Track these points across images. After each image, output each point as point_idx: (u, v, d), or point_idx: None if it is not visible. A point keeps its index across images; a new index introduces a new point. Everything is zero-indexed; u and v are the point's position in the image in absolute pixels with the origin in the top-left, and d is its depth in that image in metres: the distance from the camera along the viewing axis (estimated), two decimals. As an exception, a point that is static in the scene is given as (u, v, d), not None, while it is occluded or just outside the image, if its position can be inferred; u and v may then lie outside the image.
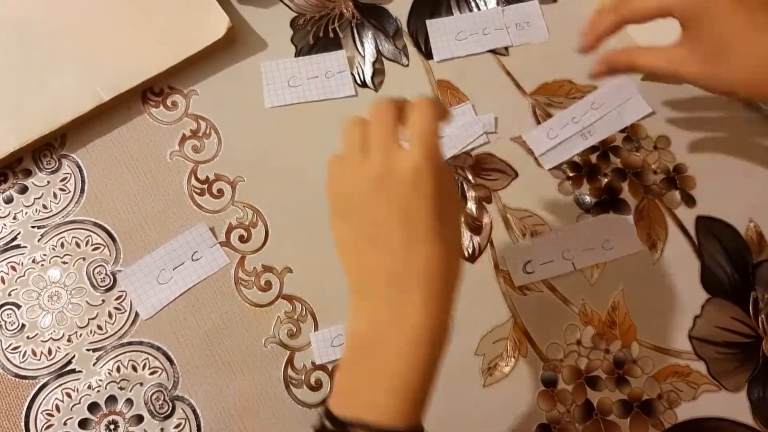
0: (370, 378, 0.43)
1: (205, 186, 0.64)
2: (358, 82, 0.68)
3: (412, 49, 0.70)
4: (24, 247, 0.62)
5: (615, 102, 0.68)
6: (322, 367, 0.61)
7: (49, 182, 0.64)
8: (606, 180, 0.66)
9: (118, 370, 0.60)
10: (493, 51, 0.70)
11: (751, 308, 0.64)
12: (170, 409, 0.59)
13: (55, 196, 0.63)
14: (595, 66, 0.60)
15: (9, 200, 0.63)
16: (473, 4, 0.71)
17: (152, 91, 0.66)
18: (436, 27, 0.70)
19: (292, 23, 0.69)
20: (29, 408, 0.58)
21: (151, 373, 0.60)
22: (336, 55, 0.68)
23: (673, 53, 0.55)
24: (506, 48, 0.70)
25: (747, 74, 0.52)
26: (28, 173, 0.64)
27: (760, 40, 0.51)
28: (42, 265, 0.62)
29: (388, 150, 0.43)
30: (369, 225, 0.44)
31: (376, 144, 0.44)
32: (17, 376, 0.59)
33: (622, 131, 0.68)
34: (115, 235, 0.63)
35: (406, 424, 0.42)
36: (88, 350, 0.60)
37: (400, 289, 0.43)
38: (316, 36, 0.69)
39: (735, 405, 0.61)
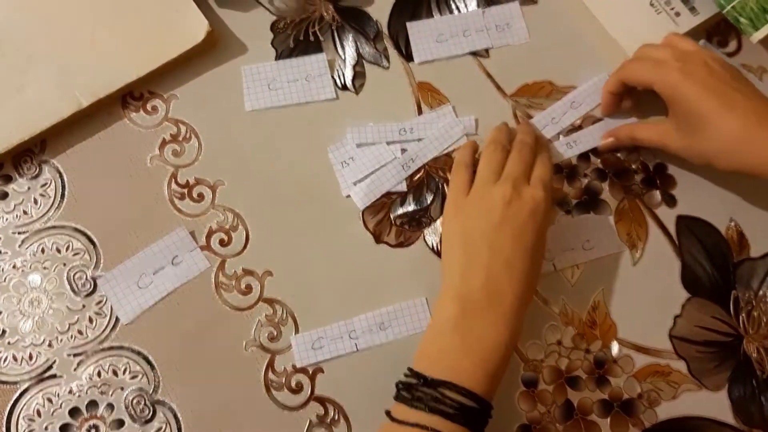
0: (461, 353, 0.52)
1: (186, 190, 0.64)
2: (339, 85, 0.68)
3: (392, 52, 0.70)
4: (5, 253, 0.62)
5: (594, 100, 0.68)
6: (302, 370, 0.61)
7: (29, 188, 0.64)
8: (586, 181, 0.67)
9: (99, 374, 0.60)
10: (473, 53, 0.70)
11: (731, 307, 0.64)
12: (151, 413, 0.59)
13: (35, 201, 0.63)
14: (604, 140, 0.67)
15: (-10, 206, 0.63)
16: (453, 6, 0.71)
17: (132, 96, 0.66)
18: (416, 29, 0.70)
19: (272, 27, 0.70)
20: (10, 413, 0.58)
21: (132, 378, 0.60)
22: (316, 58, 0.68)
23: (663, 127, 0.63)
24: (486, 50, 0.70)
25: (721, 148, 0.58)
26: (9, 179, 0.64)
27: (730, 120, 0.56)
28: (22, 270, 0.62)
29: (520, 182, 0.58)
30: (481, 225, 0.56)
31: (512, 175, 0.58)
32: (-2, 381, 0.59)
33: (602, 131, 0.68)
34: (95, 240, 0.63)
35: (484, 393, 0.51)
36: (68, 355, 0.60)
37: (497, 290, 0.54)
38: (296, 39, 0.69)
39: (716, 404, 0.62)
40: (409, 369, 0.53)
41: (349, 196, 0.65)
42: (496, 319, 0.53)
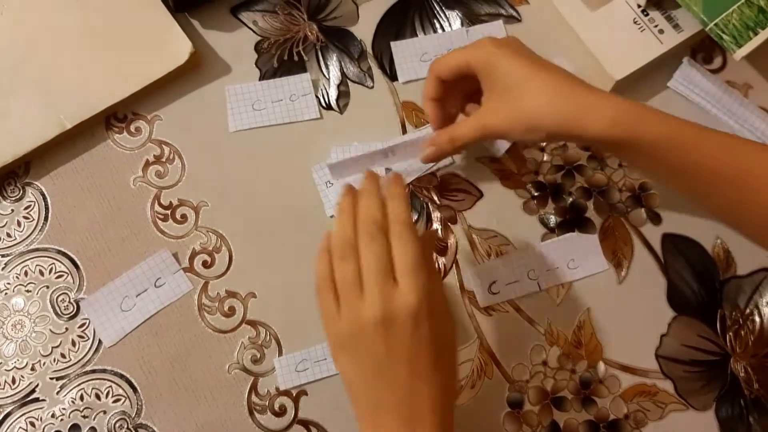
0: None
1: (169, 211, 0.64)
2: (323, 104, 0.68)
3: (377, 71, 0.70)
4: (-13, 276, 0.62)
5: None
6: (286, 393, 0.61)
7: (12, 210, 0.64)
8: (571, 199, 0.66)
9: (82, 398, 0.60)
10: (457, 71, 0.70)
11: (718, 325, 0.64)
12: (133, 437, 0.59)
13: (18, 224, 0.63)
14: (426, 152, 0.61)
15: (-27, 229, 0.63)
16: (438, 25, 0.71)
17: (116, 117, 0.66)
18: (400, 49, 0.70)
19: (257, 47, 0.70)
20: (-8, 438, 0.58)
21: (115, 401, 0.60)
22: (300, 78, 0.68)
23: (480, 112, 0.57)
24: (471, 68, 0.70)
25: (543, 103, 0.53)
26: (-8, 202, 0.64)
27: (545, 75, 0.54)
28: (5, 293, 0.62)
29: (383, 290, 0.46)
30: (373, 362, 0.47)
31: (372, 282, 0.47)
32: (-20, 406, 0.59)
33: (587, 150, 0.68)
34: (78, 263, 0.62)
35: None
36: (51, 378, 0.60)
37: (410, 423, 0.47)
38: (280, 59, 0.69)
39: (703, 424, 0.61)
40: None
41: (333, 216, 0.64)
42: None
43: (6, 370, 0.60)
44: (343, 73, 0.69)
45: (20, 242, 0.63)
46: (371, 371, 0.47)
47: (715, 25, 0.64)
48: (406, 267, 0.47)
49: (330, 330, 0.50)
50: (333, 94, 0.69)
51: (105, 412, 0.59)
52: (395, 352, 0.46)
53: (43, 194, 0.64)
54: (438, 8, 0.72)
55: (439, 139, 0.59)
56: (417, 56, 0.70)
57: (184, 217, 0.64)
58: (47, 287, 0.62)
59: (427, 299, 0.46)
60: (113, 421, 0.59)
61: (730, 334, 0.64)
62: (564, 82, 0.54)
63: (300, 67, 0.69)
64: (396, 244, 0.48)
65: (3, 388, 0.60)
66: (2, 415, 0.59)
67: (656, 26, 0.68)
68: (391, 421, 0.47)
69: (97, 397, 0.60)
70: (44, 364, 0.60)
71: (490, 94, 0.57)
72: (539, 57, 0.56)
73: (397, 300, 0.46)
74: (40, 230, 0.63)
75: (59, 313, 0.61)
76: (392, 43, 0.70)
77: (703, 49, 0.71)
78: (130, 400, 0.60)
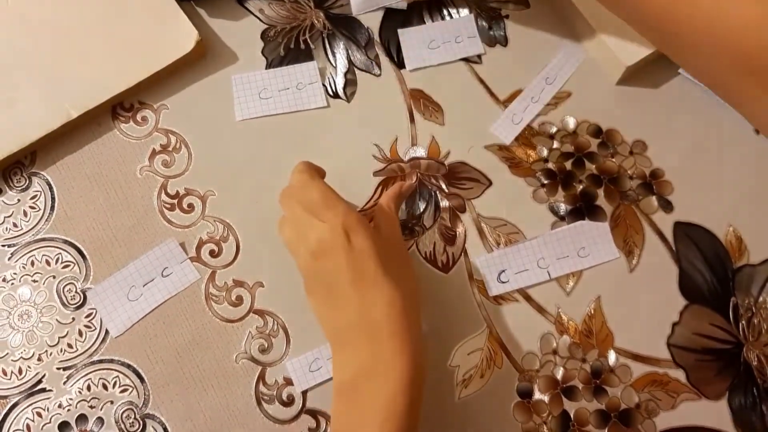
0: (360, 421, 0.48)
1: (176, 201, 0.64)
2: (330, 93, 0.68)
3: (384, 59, 0.69)
4: (-6, 266, 0.62)
5: (569, 71, 0.68)
6: (294, 383, 0.60)
7: (19, 200, 0.63)
8: (581, 187, 0.66)
9: (89, 388, 0.59)
10: (465, 59, 0.69)
11: (731, 314, 0.63)
12: (141, 427, 0.58)
13: (25, 214, 0.63)
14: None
15: (-20, 219, 0.63)
16: (445, 12, 0.70)
17: (122, 107, 0.66)
18: (407, 36, 0.69)
19: (263, 35, 0.69)
20: (0, 428, 0.58)
21: (122, 391, 0.59)
22: (307, 66, 0.68)
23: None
24: (479, 56, 0.69)
25: None
26: (-1, 192, 0.64)
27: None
28: (12, 283, 0.61)
29: (309, 232, 0.51)
30: (326, 292, 0.51)
31: (300, 235, 0.52)
32: (-13, 396, 0.59)
33: (598, 136, 0.67)
34: (85, 253, 0.62)
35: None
36: (58, 369, 0.60)
37: (369, 337, 0.50)
38: (287, 47, 0.69)
39: (716, 413, 0.60)
40: None
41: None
42: (381, 364, 0.49)
43: (12, 360, 0.60)
44: (350, 61, 0.69)
45: (27, 232, 0.63)
46: (325, 303, 0.52)
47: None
48: (320, 203, 0.52)
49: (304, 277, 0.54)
50: (340, 82, 0.68)
51: (112, 403, 0.59)
52: (337, 275, 0.50)
53: (49, 184, 0.64)
54: (446, -5, 0.71)
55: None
56: (425, 43, 0.69)
57: (191, 206, 0.64)
58: (54, 277, 0.62)
59: (354, 220, 0.51)
60: (120, 412, 0.59)
61: (743, 322, 0.63)
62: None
63: (307, 56, 0.69)
64: (307, 194, 0.53)
65: (10, 379, 0.59)
66: (9, 406, 0.59)
67: (667, 12, 0.67)
68: (352, 340, 0.50)
69: (104, 387, 0.59)
70: (51, 354, 0.60)
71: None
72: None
73: (324, 230, 0.51)
74: (46, 220, 0.63)
75: (66, 303, 0.61)
76: (399, 31, 0.69)
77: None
78: (137, 390, 0.59)
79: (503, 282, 0.63)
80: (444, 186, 0.65)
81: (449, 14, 0.71)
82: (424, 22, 0.70)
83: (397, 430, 0.47)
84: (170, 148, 0.65)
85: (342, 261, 0.50)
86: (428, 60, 0.69)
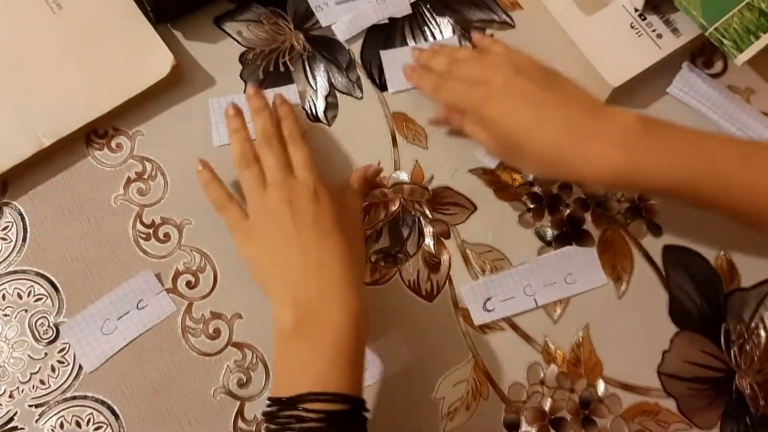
0: (310, 357, 0.50)
1: (151, 230, 0.62)
2: (311, 117, 0.66)
3: (365, 81, 0.67)
4: (-36, 300, 0.60)
5: None
6: (273, 418, 0.58)
7: (-10, 231, 0.62)
8: (568, 211, 0.64)
9: (62, 426, 0.58)
10: (449, 80, 0.67)
11: (722, 340, 0.61)
12: (116, 466, 0.57)
13: (-4, 245, 0.61)
14: (436, 116, 0.65)
15: (-50, 251, 0.61)
16: (428, 33, 0.69)
17: (96, 133, 0.64)
18: (390, 58, 0.68)
19: (241, 58, 0.67)
20: (-31, 469, 0.56)
21: (96, 429, 0.58)
22: (287, 90, 0.66)
23: (486, 139, 0.58)
24: (463, 76, 0.67)
25: (538, 166, 0.56)
26: (-31, 223, 0.62)
27: (541, 137, 0.53)
28: (-17, 318, 0.59)
29: (285, 179, 0.57)
30: (282, 233, 0.55)
31: (275, 177, 0.57)
32: (-43, 435, 0.57)
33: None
34: (58, 285, 0.60)
35: (350, 389, 0.49)
36: (30, 406, 0.58)
37: (320, 274, 0.53)
38: (266, 70, 0.67)
39: (708, 444, 0.59)
40: (268, 398, 0.50)
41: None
42: (332, 300, 0.52)
43: (-17, 397, 0.58)
44: (331, 84, 0.67)
45: (-2, 264, 0.61)
46: (279, 241, 0.54)
47: (715, 29, 0.61)
48: (302, 164, 0.58)
49: (238, 232, 0.57)
50: (321, 105, 0.67)
51: (86, 441, 0.57)
52: (300, 217, 0.55)
53: (21, 214, 0.62)
54: (429, 15, 0.70)
55: (452, 118, 0.64)
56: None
57: (167, 235, 0.62)
58: (26, 311, 0.60)
59: (320, 180, 0.57)
60: (95, 450, 0.57)
61: (735, 349, 0.61)
62: (560, 140, 0.53)
63: (286, 79, 0.67)
64: (291, 149, 0.59)
65: (-20, 417, 0.57)
66: (-20, 445, 0.57)
67: (654, 31, 0.66)
68: (300, 272, 0.53)
69: (78, 424, 0.58)
70: (23, 391, 0.58)
71: (492, 140, 0.58)
72: (533, 97, 0.55)
73: (298, 185, 0.56)
74: (18, 251, 0.61)
75: (38, 337, 0.59)
76: (382, 52, 0.68)
77: (704, 53, 0.69)
78: (111, 428, 0.58)
79: (489, 310, 0.61)
80: (428, 211, 0.64)
81: (432, 34, 0.69)
82: (407, 43, 0.69)
83: (347, 364, 0.50)
84: (146, 176, 0.64)
85: (308, 209, 0.55)
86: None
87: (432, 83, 0.61)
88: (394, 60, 0.68)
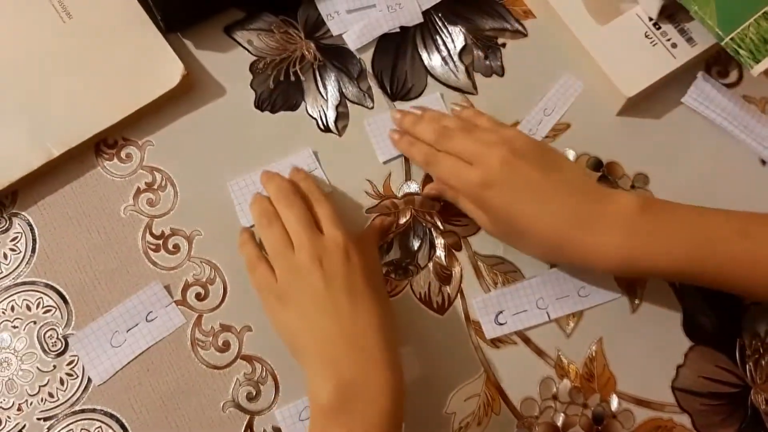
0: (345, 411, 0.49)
1: (161, 241, 0.62)
2: (321, 127, 0.65)
3: (377, 91, 0.67)
4: (-27, 311, 0.60)
5: (567, 102, 0.66)
6: (282, 432, 0.58)
7: (-1, 242, 0.61)
8: (581, 223, 0.63)
9: (71, 439, 0.57)
10: (460, 90, 0.67)
11: (737, 355, 0.60)
12: (124, 480, 0.56)
13: (5, 256, 0.61)
14: (428, 191, 0.64)
15: (-41, 262, 0.61)
16: (440, 41, 0.69)
17: (106, 144, 0.64)
18: (376, 125, 0.66)
19: (252, 67, 0.67)
20: (-22, 482, 0.56)
21: (105, 443, 0.57)
22: (303, 155, 0.65)
23: (483, 220, 0.59)
24: (475, 86, 0.67)
25: (538, 254, 0.59)
26: (-22, 233, 0.62)
27: (542, 228, 0.54)
28: (-9, 330, 0.59)
29: (312, 237, 0.55)
30: (313, 297, 0.53)
31: (302, 236, 0.55)
32: (-35, 448, 0.57)
33: (598, 169, 0.65)
34: (67, 297, 0.60)
35: None
36: (39, 419, 0.58)
37: (358, 347, 0.51)
38: (276, 80, 0.67)
39: (722, 460, 0.58)
40: None
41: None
42: (372, 379, 0.50)
43: (-8, 410, 0.58)
44: (341, 94, 0.67)
45: (6, 276, 0.61)
46: (313, 308, 0.52)
47: (731, 39, 0.60)
48: (328, 219, 0.56)
49: (268, 294, 0.56)
50: (331, 115, 0.66)
51: (95, 454, 0.57)
52: (333, 280, 0.53)
53: (30, 225, 0.62)
54: (440, 24, 0.69)
55: (442, 192, 0.63)
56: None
57: (176, 247, 0.62)
58: (34, 323, 0.59)
59: (349, 235, 0.55)
60: (103, 464, 0.57)
61: (750, 364, 0.61)
62: (562, 229, 0.53)
63: (297, 88, 0.66)
64: (315, 206, 0.58)
65: (-11, 430, 0.57)
66: (-12, 458, 0.57)
67: (669, 40, 0.65)
68: (339, 347, 0.51)
69: (87, 438, 0.57)
70: (31, 403, 0.58)
71: (492, 224, 0.58)
72: (533, 184, 0.54)
73: (326, 240, 0.55)
74: (27, 263, 0.61)
75: (47, 349, 0.59)
76: (366, 120, 0.66)
77: (719, 62, 0.68)
78: (120, 442, 0.57)
79: (501, 324, 0.61)
80: (439, 223, 0.63)
81: (443, 43, 0.68)
82: (419, 52, 0.68)
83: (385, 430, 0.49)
84: (155, 186, 0.63)
85: (340, 270, 0.53)
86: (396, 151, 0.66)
87: (423, 156, 0.61)
88: (381, 126, 0.66)
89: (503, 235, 0.59)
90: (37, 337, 0.59)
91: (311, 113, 0.66)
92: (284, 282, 0.55)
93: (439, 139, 0.59)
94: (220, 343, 0.60)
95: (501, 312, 0.61)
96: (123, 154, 0.64)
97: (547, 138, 0.66)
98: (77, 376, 0.59)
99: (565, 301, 0.61)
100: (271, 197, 0.59)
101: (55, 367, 0.59)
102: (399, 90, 0.68)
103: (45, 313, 0.60)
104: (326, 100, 0.67)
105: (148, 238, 0.62)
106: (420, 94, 0.67)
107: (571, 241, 0.53)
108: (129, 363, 0.59)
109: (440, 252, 0.63)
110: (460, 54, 0.68)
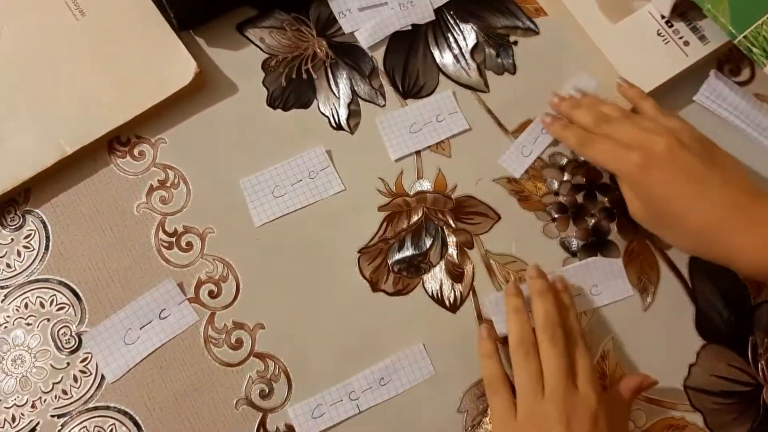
0: None
1: (174, 239, 0.62)
2: (333, 125, 0.65)
3: (388, 89, 0.67)
4: (-13, 308, 0.60)
5: None
6: (295, 430, 0.58)
7: (12, 240, 0.61)
8: (593, 221, 0.63)
9: (84, 436, 0.57)
10: (472, 88, 0.67)
11: (749, 354, 0.60)
12: (138, 476, 0.56)
13: (18, 254, 0.61)
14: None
15: (-28, 259, 0.61)
16: (452, 39, 0.68)
17: (119, 141, 0.64)
18: (387, 124, 0.67)
19: (264, 65, 0.67)
20: (-8, 479, 0.56)
21: (118, 440, 0.57)
22: (315, 153, 0.65)
23: (635, 202, 0.58)
24: (486, 84, 0.67)
25: (689, 246, 0.57)
26: (-9, 231, 0.62)
27: (698, 216, 0.53)
28: (5, 327, 0.60)
29: (567, 392, 0.52)
30: None
31: (557, 385, 0.52)
32: (-20, 445, 0.57)
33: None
34: (80, 294, 0.60)
35: None
36: (52, 416, 0.58)
37: None
38: (288, 78, 0.67)
39: (734, 459, 0.58)
40: None
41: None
42: None
43: (5, 407, 0.58)
44: (353, 92, 0.67)
45: (20, 273, 0.61)
46: None
47: (744, 37, 0.60)
48: (586, 375, 0.53)
49: (500, 424, 0.54)
50: (343, 113, 0.66)
51: (108, 451, 0.57)
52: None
53: (43, 222, 0.62)
54: (452, 22, 0.69)
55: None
56: (406, 128, 0.66)
57: (189, 244, 0.62)
58: (48, 320, 0.60)
59: (602, 397, 0.52)
60: (117, 460, 0.57)
61: (762, 362, 0.61)
62: (717, 220, 0.53)
63: (309, 86, 0.67)
64: (576, 353, 0.54)
65: (3, 427, 0.57)
66: (3, 454, 0.57)
67: (681, 38, 0.65)
68: None
69: (100, 435, 0.57)
70: (45, 401, 0.58)
71: (642, 206, 0.57)
72: (696, 172, 0.54)
73: (579, 402, 0.51)
74: (40, 260, 0.61)
75: (60, 347, 0.59)
76: (378, 118, 0.66)
77: (731, 60, 0.68)
78: (134, 438, 0.57)
79: (513, 322, 0.60)
80: (451, 221, 0.63)
81: (455, 41, 0.68)
82: (430, 50, 0.68)
83: None
84: (168, 184, 0.63)
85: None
86: (412, 146, 0.66)
87: (578, 137, 0.60)
88: (393, 124, 0.66)
89: (653, 220, 0.57)
90: (51, 335, 0.60)
91: (323, 111, 0.66)
92: (523, 426, 0.52)
93: (599, 123, 0.59)
94: (233, 340, 0.60)
95: (515, 312, 0.61)
96: (136, 152, 0.64)
97: (559, 136, 0.65)
98: (91, 374, 0.59)
99: (578, 300, 0.61)
100: (536, 322, 0.56)
101: (68, 364, 0.59)
102: (411, 88, 0.67)
103: (58, 310, 0.60)
104: (338, 98, 0.67)
105: (161, 235, 0.62)
106: (432, 92, 0.67)
107: (726, 234, 0.52)
108: (142, 360, 0.59)
109: (452, 250, 0.63)
110: (472, 52, 0.68)
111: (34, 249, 0.62)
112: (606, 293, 0.62)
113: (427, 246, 0.63)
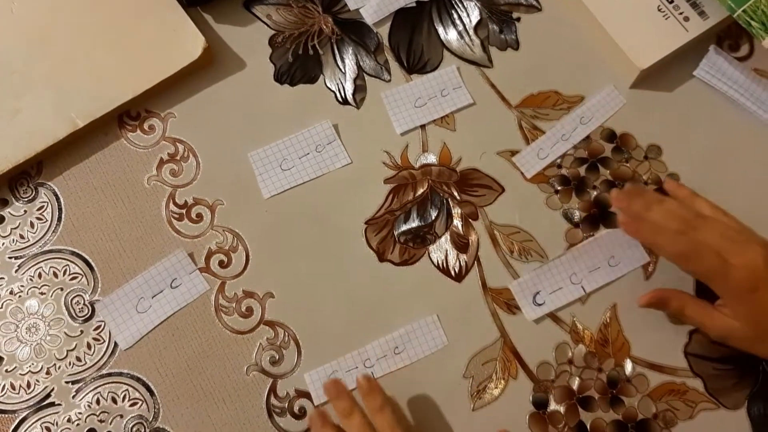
0: None
1: (184, 211, 0.63)
2: (340, 99, 0.67)
3: (393, 64, 0.68)
4: (1, 278, 0.61)
5: (603, 114, 0.66)
6: (305, 395, 0.59)
7: (26, 211, 0.63)
8: (595, 193, 0.64)
9: (98, 402, 0.59)
10: (476, 63, 0.68)
11: (749, 321, 0.61)
12: (151, 441, 0.58)
13: (32, 225, 0.62)
14: (646, 297, 0.58)
15: (-14, 231, 0.62)
16: (456, 16, 0.69)
17: (129, 115, 0.65)
18: (392, 98, 0.68)
19: (271, 41, 0.68)
20: (8, 443, 0.57)
21: (132, 405, 0.59)
22: (322, 127, 0.66)
23: (723, 319, 0.55)
24: (490, 59, 0.68)
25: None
26: (5, 203, 0.63)
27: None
28: (20, 296, 0.61)
29: None
30: None
31: None
32: (-4, 410, 0.58)
33: (611, 141, 0.66)
34: (93, 264, 0.61)
35: None
36: (67, 382, 0.59)
37: None
38: (295, 54, 0.68)
39: (734, 423, 0.59)
40: None
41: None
42: None
43: (21, 374, 0.59)
44: (359, 67, 0.68)
45: (33, 243, 0.62)
46: None
47: (743, 11, 0.62)
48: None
49: None
50: (349, 88, 0.67)
51: (122, 416, 0.58)
52: None
53: (56, 194, 0.63)
54: (456, -2, 0.70)
55: (666, 299, 0.58)
56: (411, 103, 0.67)
57: (199, 216, 0.63)
58: (61, 289, 0.61)
59: None
60: (130, 425, 0.58)
61: (761, 329, 0.61)
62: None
63: (315, 61, 0.68)
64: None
65: (18, 393, 0.59)
66: (18, 420, 0.58)
67: (681, 13, 0.66)
68: None
69: (114, 401, 0.59)
70: (59, 367, 0.59)
71: (744, 319, 0.54)
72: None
73: None
74: (53, 231, 0.62)
75: (74, 315, 0.60)
76: (383, 93, 0.67)
77: (730, 36, 0.69)
78: (147, 404, 0.59)
79: (539, 304, 0.62)
80: (456, 193, 0.64)
81: (459, 17, 0.69)
82: (434, 26, 0.69)
83: None
84: (178, 157, 0.64)
85: None
86: (417, 120, 0.67)
87: (683, 247, 0.54)
88: (398, 99, 0.67)
89: (757, 338, 0.54)
90: (65, 303, 0.61)
91: (329, 86, 0.67)
92: None
93: (675, 222, 0.55)
94: (243, 308, 0.61)
95: (538, 293, 0.62)
96: (146, 126, 0.65)
97: (561, 110, 0.67)
98: (104, 341, 0.60)
99: (598, 273, 0.62)
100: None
101: (82, 332, 0.60)
102: (415, 63, 0.68)
103: (72, 280, 0.61)
104: (344, 74, 0.68)
105: (172, 207, 0.63)
106: (436, 68, 0.68)
107: None
108: (154, 328, 0.60)
109: (457, 221, 0.64)
110: (476, 28, 0.69)
111: (46, 220, 0.63)
112: (624, 263, 0.63)
113: (433, 217, 0.64)
